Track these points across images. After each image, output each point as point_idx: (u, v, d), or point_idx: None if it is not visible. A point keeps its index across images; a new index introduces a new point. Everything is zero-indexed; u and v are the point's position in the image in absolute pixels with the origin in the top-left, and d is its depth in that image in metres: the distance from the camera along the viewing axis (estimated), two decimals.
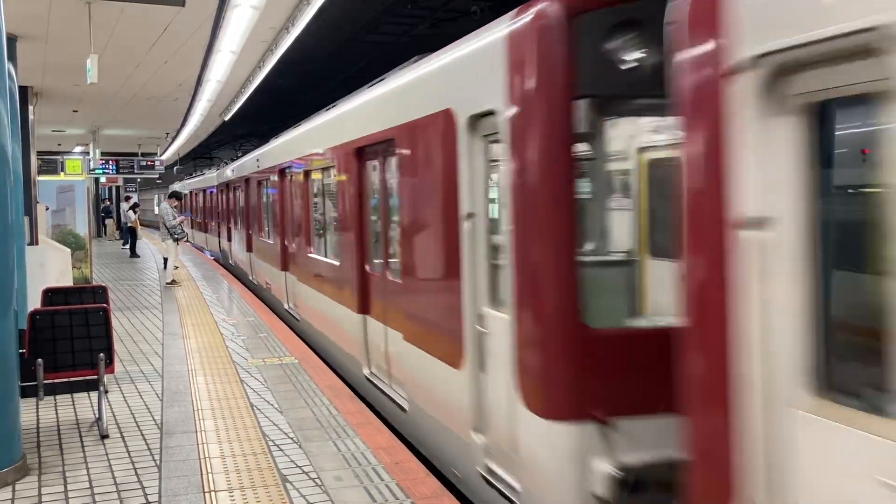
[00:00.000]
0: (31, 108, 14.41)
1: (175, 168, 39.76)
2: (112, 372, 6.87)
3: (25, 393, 6.23)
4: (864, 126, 2.67)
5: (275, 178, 13.74)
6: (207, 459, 5.76)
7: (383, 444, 6.07)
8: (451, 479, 5.71)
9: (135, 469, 5.61)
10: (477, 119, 5.18)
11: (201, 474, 5.46)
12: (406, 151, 6.54)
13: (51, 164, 23.81)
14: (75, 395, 7.40)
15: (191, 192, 33.53)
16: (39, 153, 18.89)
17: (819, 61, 2.50)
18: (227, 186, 21.89)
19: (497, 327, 4.90)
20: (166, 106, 18.08)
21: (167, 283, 16.49)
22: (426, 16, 13.44)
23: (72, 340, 6.50)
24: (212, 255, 26.31)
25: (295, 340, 10.50)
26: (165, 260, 17.31)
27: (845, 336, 2.74)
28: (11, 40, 10.68)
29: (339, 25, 14.39)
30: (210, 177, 27.96)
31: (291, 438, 6.24)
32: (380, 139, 7.20)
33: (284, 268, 13.04)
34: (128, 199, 33.87)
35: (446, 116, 5.57)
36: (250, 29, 10.50)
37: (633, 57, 4.30)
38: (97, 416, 6.71)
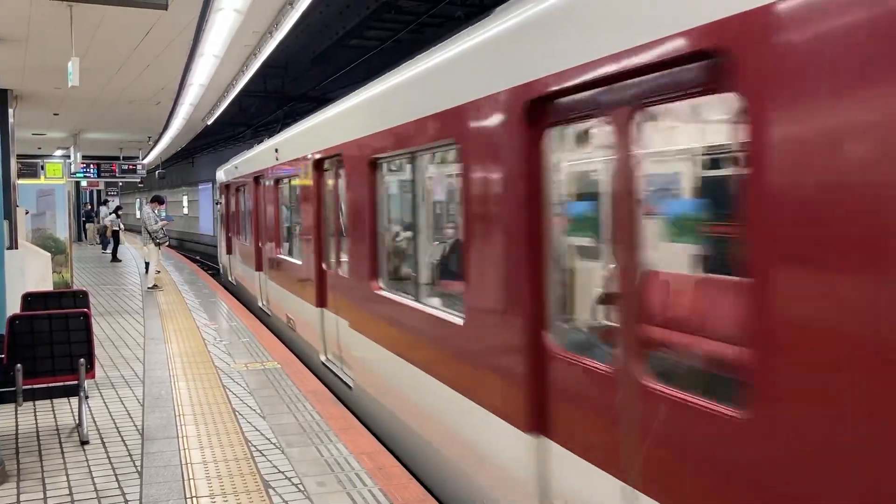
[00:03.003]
0: (10, 111, 14.29)
1: (157, 172, 39.53)
2: (92, 377, 6.81)
3: (4, 398, 6.17)
4: None
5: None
6: (189, 465, 5.72)
7: (366, 449, 6.05)
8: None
9: (115, 475, 5.56)
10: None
11: (183, 480, 5.42)
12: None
13: (31, 167, 23.60)
14: (55, 400, 7.34)
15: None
16: (19, 157, 18.73)
17: None
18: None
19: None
20: (148, 109, 17.96)
21: (149, 288, 16.39)
22: (410, 21, 13.46)
23: (51, 345, 6.44)
24: None
25: (277, 345, 10.46)
26: (147, 264, 17.20)
27: None
28: None
29: (322, 30, 14.38)
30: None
31: (274, 444, 6.21)
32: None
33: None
34: (106, 202, 33.61)
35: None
36: (233, 33, 10.46)
37: None
38: (77, 421, 6.65)
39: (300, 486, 5.30)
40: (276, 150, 11.88)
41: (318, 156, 9.12)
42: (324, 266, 9.23)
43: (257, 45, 11.63)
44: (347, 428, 6.63)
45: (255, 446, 6.14)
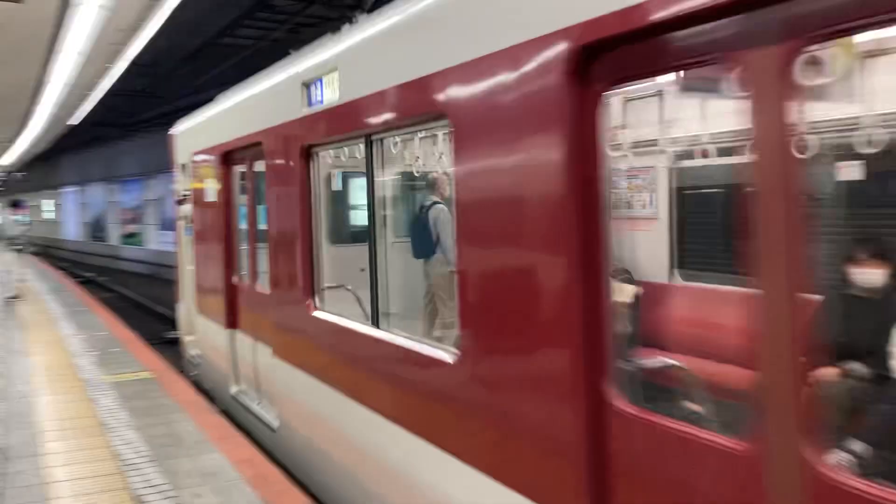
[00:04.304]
0: None
1: (20, 174, 37.37)
2: None
3: None
4: None
5: None
6: (54, 484, 5.43)
7: (245, 457, 5.92)
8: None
9: None
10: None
11: (47, 501, 5.14)
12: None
13: None
14: None
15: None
16: None
17: None
18: None
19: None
20: (5, 109, 16.99)
21: (8, 298, 15.50)
22: (285, 20, 13.28)
23: None
24: None
25: (151, 355, 10.09)
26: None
27: None
28: None
29: (194, 28, 13.99)
30: None
31: (146, 456, 5.98)
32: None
33: None
34: None
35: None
36: (98, 30, 10.03)
37: None
38: None
39: (175, 499, 5.13)
40: None
41: None
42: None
43: (123, 43, 11.20)
44: (226, 437, 6.47)
45: (125, 460, 5.89)
